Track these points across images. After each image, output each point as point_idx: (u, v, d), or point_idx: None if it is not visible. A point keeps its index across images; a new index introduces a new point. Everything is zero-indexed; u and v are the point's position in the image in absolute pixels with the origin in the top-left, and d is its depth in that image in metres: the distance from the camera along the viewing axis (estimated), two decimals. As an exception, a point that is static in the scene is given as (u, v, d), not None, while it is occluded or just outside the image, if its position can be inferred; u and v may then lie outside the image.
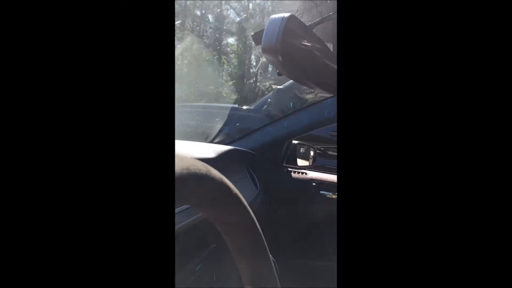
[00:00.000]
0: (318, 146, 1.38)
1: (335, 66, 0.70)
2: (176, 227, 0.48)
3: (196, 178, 0.23)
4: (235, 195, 0.27)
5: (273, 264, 0.32)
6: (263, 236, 0.30)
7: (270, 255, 0.31)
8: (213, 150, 0.81)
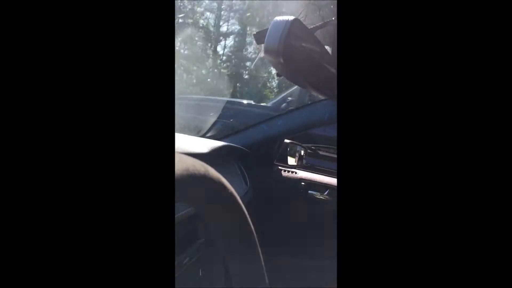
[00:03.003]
0: (310, 145, 1.39)
1: (333, 69, 0.71)
2: None
3: (194, 179, 0.23)
4: (231, 195, 0.28)
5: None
6: (255, 236, 0.31)
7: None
8: (205, 144, 0.80)
